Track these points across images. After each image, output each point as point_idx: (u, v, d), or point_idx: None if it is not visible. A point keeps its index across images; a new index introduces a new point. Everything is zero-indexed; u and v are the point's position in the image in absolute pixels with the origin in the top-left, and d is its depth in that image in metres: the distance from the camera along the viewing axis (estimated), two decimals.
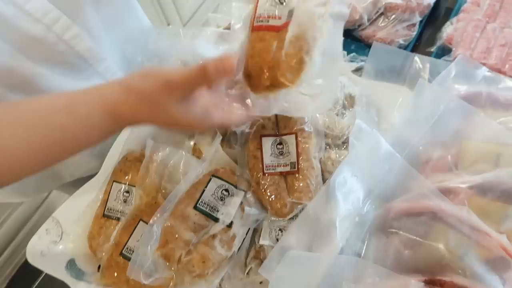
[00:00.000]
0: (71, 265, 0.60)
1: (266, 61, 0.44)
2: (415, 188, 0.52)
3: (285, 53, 0.43)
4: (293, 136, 0.56)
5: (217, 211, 0.55)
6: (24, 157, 0.41)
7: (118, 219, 0.61)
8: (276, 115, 0.58)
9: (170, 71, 0.43)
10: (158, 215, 0.53)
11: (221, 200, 0.56)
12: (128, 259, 0.54)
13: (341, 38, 0.48)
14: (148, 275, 0.50)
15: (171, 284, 0.52)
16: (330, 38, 0.45)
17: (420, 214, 0.51)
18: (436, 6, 0.82)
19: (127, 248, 0.56)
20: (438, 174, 0.54)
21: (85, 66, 0.61)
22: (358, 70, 0.70)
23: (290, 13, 0.44)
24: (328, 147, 0.59)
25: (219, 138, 0.60)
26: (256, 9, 0.46)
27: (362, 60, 0.71)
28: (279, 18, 0.44)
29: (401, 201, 0.52)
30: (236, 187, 0.58)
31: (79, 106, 0.43)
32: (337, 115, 0.61)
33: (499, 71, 0.65)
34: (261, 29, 0.45)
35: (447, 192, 0.51)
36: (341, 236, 0.50)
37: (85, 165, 0.74)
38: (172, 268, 0.52)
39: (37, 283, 1.20)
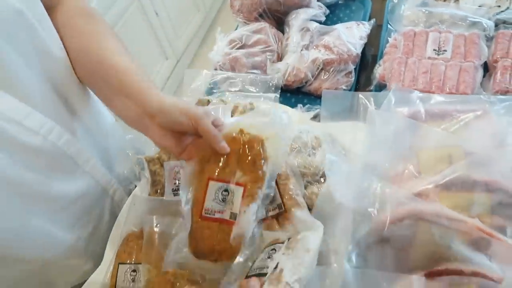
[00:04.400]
0: None
1: (215, 246, 0.57)
2: (393, 198, 0.60)
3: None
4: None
5: None
6: None
7: None
8: None
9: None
10: None
11: None
12: None
13: None
14: None
15: None
16: None
17: (403, 219, 0.58)
18: (363, 56, 0.98)
19: None
20: (407, 183, 0.63)
21: (75, 167, 0.66)
22: (315, 117, 0.80)
23: (233, 216, 0.57)
24: (309, 183, 0.67)
25: None
26: (204, 201, 0.57)
27: (316, 108, 0.82)
28: (221, 213, 0.57)
29: (383, 213, 0.59)
30: None
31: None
32: (309, 155, 0.69)
33: (428, 92, 0.78)
34: (208, 220, 0.57)
35: (418, 196, 0.59)
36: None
37: (78, 269, 0.74)
38: None
39: None
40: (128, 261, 0.65)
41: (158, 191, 0.71)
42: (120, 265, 0.65)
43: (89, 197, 0.70)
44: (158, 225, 0.65)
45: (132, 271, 0.65)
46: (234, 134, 0.59)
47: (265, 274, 0.54)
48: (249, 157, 0.58)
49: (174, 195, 0.69)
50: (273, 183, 0.60)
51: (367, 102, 0.74)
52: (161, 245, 0.63)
